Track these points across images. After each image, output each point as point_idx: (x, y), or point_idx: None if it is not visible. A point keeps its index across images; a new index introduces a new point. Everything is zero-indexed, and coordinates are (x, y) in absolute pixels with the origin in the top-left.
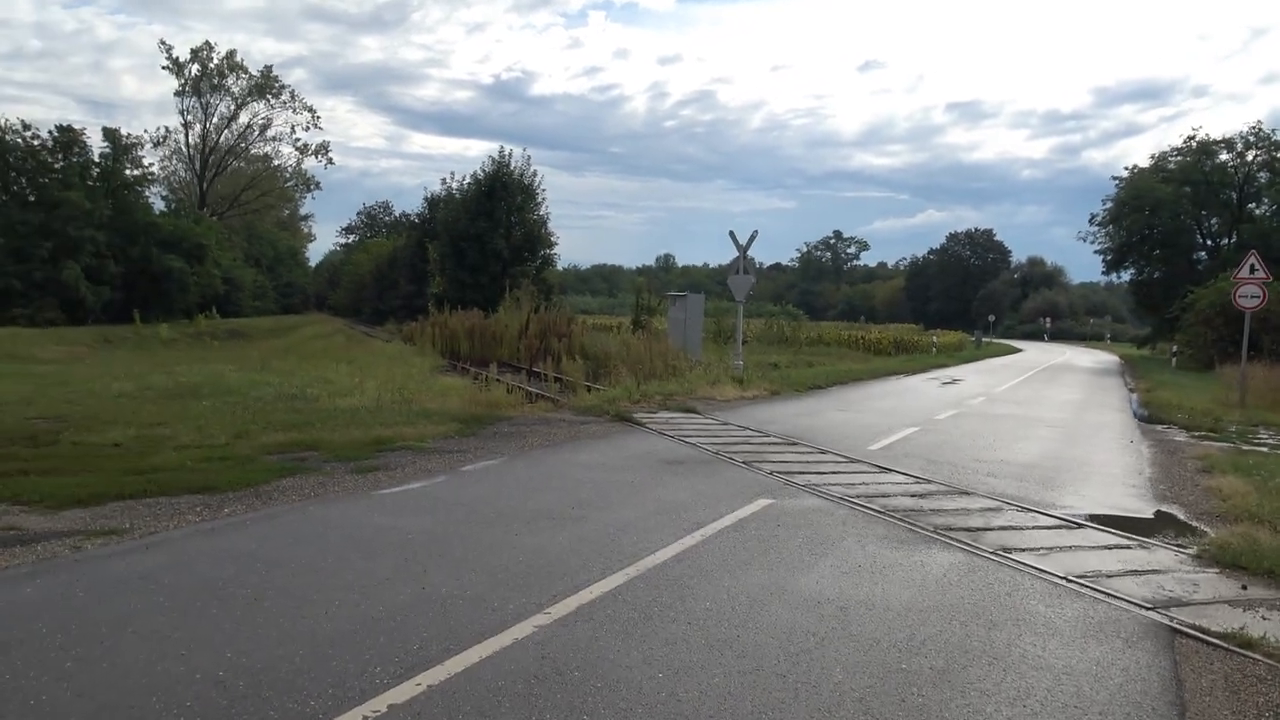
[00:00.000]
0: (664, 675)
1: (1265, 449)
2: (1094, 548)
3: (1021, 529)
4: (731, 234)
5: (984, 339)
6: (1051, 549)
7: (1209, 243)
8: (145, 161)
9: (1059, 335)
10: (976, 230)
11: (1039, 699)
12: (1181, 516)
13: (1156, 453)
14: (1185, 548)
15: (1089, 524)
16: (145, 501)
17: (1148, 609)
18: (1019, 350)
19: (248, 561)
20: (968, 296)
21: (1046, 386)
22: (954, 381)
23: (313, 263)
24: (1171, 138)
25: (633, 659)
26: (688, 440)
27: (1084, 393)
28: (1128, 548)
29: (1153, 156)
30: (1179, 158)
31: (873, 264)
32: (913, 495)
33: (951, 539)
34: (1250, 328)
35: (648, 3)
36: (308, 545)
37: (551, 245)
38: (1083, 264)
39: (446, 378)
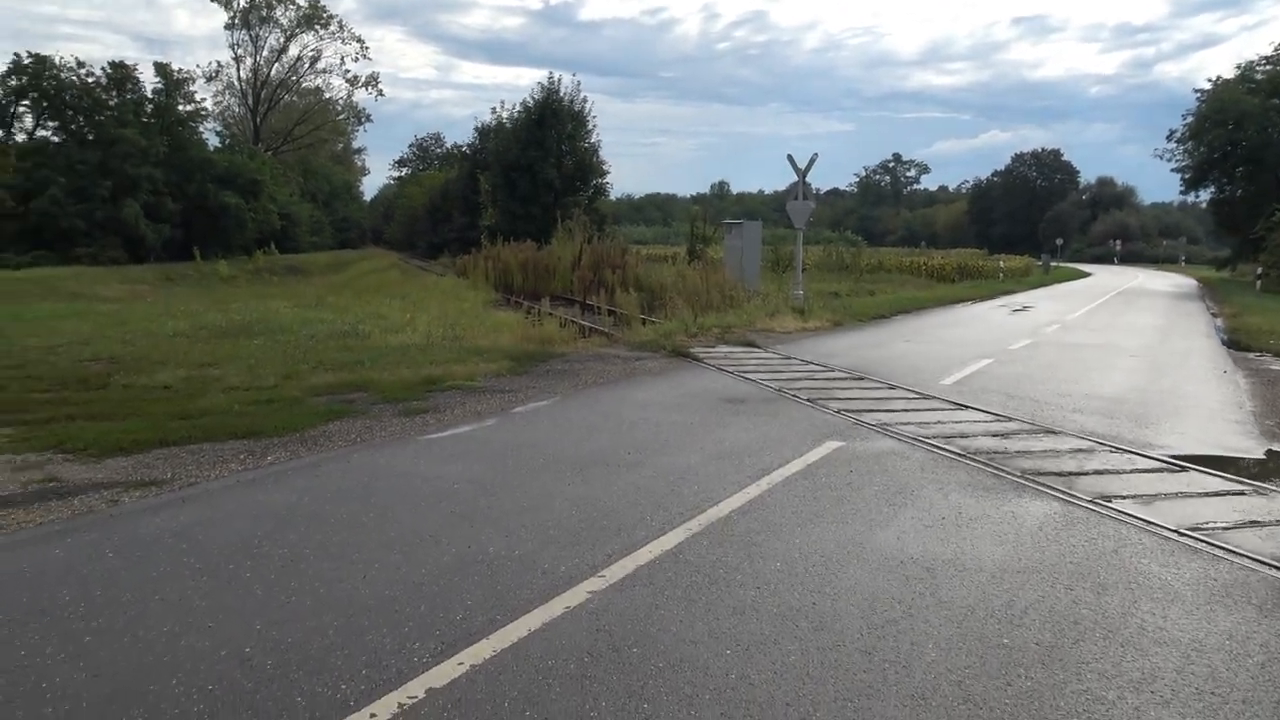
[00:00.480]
0: (732, 652)
1: None
2: (1203, 494)
3: (1119, 473)
4: (790, 158)
5: (1052, 263)
6: (1155, 496)
7: None
8: (198, 97)
9: (1130, 258)
10: (1043, 150)
11: (1168, 683)
12: None
13: (1255, 384)
14: None
15: (1193, 466)
16: (189, 448)
17: (1278, 569)
18: (1088, 274)
19: (287, 516)
20: (1034, 219)
21: (1124, 312)
22: (1025, 308)
23: (367, 197)
24: (1257, 46)
25: (697, 632)
26: (748, 376)
27: (1164, 318)
28: (1242, 494)
29: (1238, 67)
30: (1268, 67)
31: (933, 187)
32: (994, 435)
33: (1042, 485)
34: None
35: None
36: (350, 498)
37: (604, 174)
38: (1155, 184)
39: (499, 312)
